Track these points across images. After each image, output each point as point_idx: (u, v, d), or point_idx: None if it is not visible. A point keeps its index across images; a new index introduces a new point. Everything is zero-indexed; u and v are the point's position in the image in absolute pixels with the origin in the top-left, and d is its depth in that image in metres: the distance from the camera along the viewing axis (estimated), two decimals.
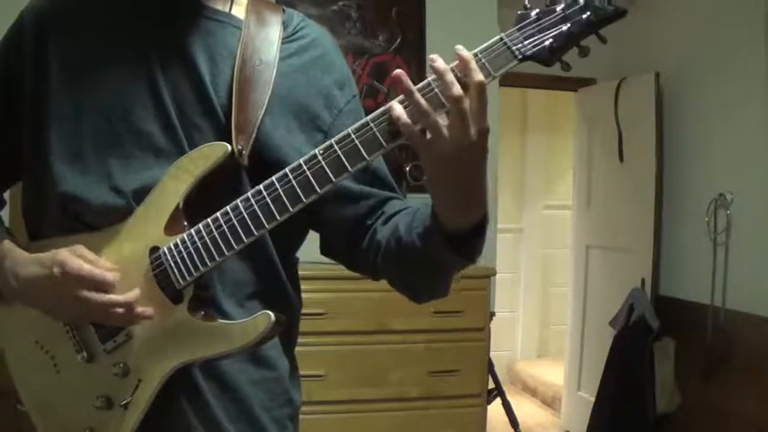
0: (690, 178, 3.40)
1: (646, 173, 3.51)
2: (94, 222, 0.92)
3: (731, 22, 3.10)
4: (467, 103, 0.77)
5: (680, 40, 3.39)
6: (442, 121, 0.79)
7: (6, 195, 1.07)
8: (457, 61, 0.80)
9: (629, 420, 3.27)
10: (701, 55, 3.28)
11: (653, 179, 3.48)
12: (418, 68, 3.42)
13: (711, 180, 3.20)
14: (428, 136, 0.79)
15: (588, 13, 0.82)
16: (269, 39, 0.99)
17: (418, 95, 0.79)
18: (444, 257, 0.87)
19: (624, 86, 3.61)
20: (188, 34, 0.94)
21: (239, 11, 1.00)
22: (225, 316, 0.92)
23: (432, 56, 0.80)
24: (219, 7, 0.99)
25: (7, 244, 0.94)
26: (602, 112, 3.77)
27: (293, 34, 1.03)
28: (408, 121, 0.80)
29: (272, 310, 0.89)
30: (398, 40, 3.41)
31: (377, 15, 3.38)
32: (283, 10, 1.05)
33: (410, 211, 0.97)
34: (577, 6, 0.82)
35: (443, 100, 0.79)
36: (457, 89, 0.77)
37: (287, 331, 1.01)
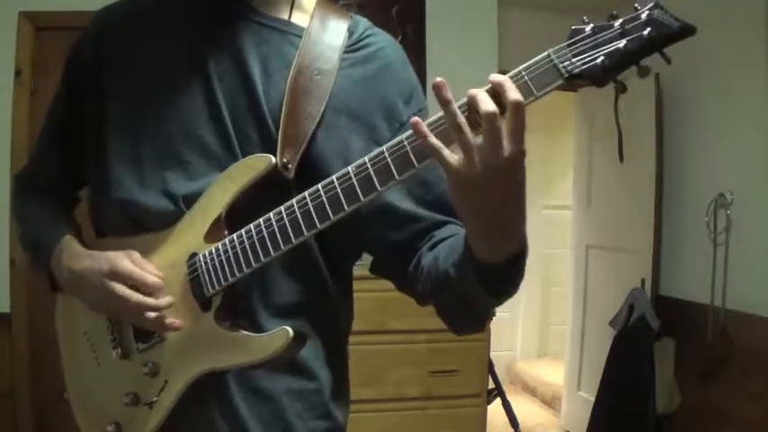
0: (690, 178, 3.40)
1: (646, 173, 3.51)
2: (146, 224, 0.95)
3: (731, 22, 3.10)
4: (500, 122, 0.70)
5: (680, 40, 3.38)
6: (478, 140, 0.72)
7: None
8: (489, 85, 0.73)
9: (629, 420, 3.27)
10: (701, 55, 3.27)
11: (653, 179, 3.48)
12: (418, 69, 3.42)
13: (711, 180, 3.20)
14: (455, 159, 0.73)
15: (650, 29, 0.73)
16: (331, 47, 0.96)
17: (455, 107, 0.72)
18: (471, 289, 0.82)
19: None
20: (244, 43, 0.94)
21: (302, 18, 0.99)
22: (258, 326, 0.92)
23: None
24: (278, 15, 0.98)
25: (67, 239, 1.00)
26: (602, 112, 3.77)
27: (357, 42, 1.00)
28: (434, 140, 0.73)
29: (313, 324, 0.90)
30: (398, 39, 3.39)
31: (377, 15, 3.37)
32: (351, 16, 1.02)
33: (455, 238, 0.91)
34: (638, 22, 0.73)
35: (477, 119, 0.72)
36: (490, 105, 0.70)
37: (332, 345, 1.00)
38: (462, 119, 0.72)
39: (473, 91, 0.72)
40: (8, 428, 3.00)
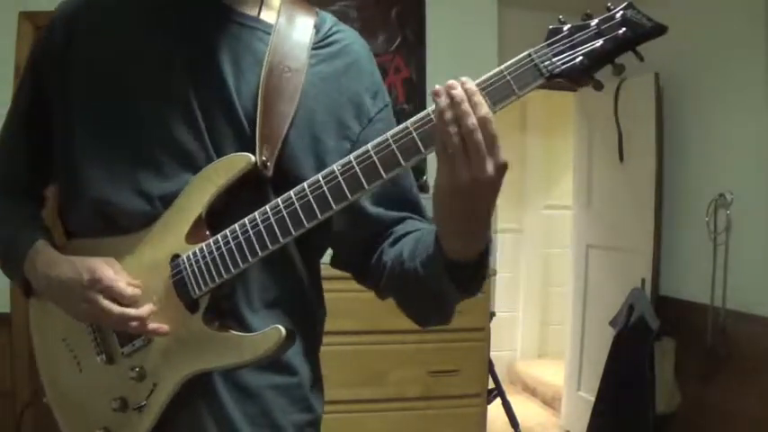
0: (690, 178, 3.40)
1: (646, 173, 3.51)
2: (122, 224, 0.93)
3: (731, 22, 3.10)
4: (480, 136, 0.72)
5: (680, 40, 3.38)
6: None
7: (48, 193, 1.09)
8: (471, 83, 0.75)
9: (629, 420, 3.27)
10: (701, 55, 3.27)
11: (653, 179, 3.48)
12: (418, 69, 3.42)
13: (711, 180, 3.20)
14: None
15: (624, 29, 0.77)
16: (299, 44, 0.96)
17: (450, 115, 0.73)
18: (443, 287, 0.84)
19: (624, 86, 3.61)
20: (215, 39, 0.93)
21: (270, 15, 0.98)
22: (244, 324, 0.92)
23: (450, 82, 0.75)
24: (248, 11, 0.97)
25: (41, 243, 0.97)
26: (602, 112, 3.77)
27: (324, 39, 1.00)
28: (453, 128, 0.74)
29: (293, 320, 0.90)
30: (398, 40, 3.41)
31: (377, 15, 3.38)
32: (317, 13, 1.02)
33: (416, 235, 0.94)
34: (613, 22, 0.77)
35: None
36: (471, 121, 0.73)
37: (310, 340, 1.02)
38: (456, 129, 0.73)
39: (458, 103, 0.73)
40: (8, 428, 3.00)
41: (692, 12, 3.33)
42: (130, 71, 0.94)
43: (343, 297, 2.70)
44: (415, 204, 1.02)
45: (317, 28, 1.00)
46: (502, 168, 0.74)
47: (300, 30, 0.98)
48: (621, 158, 3.68)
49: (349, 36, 1.04)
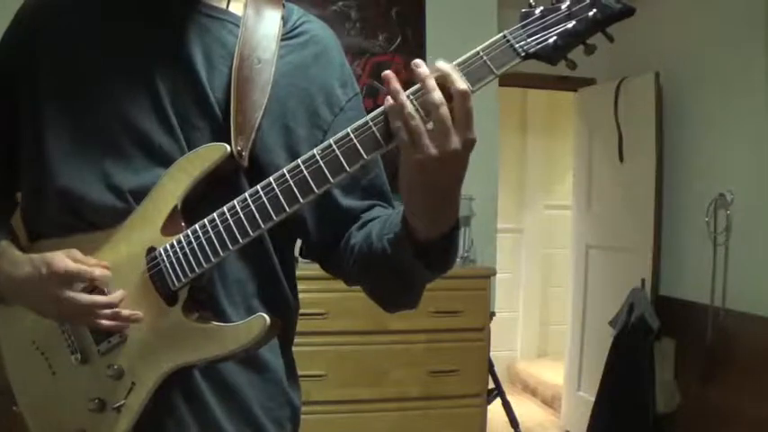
0: (690, 178, 3.40)
1: (646, 173, 3.51)
2: (92, 220, 0.91)
3: (731, 22, 3.10)
4: (445, 111, 0.75)
5: (680, 41, 3.39)
6: (429, 126, 0.77)
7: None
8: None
9: (629, 420, 3.27)
10: (701, 55, 3.28)
11: (653, 179, 3.48)
12: None
13: (711, 180, 3.20)
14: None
15: (594, 10, 0.80)
16: (268, 36, 0.96)
17: (404, 97, 0.77)
18: (411, 267, 0.85)
19: (624, 86, 3.61)
20: (184, 31, 0.93)
21: (237, 7, 0.98)
22: (223, 315, 0.91)
23: (415, 60, 0.79)
24: (216, 3, 0.97)
25: (4, 244, 0.94)
26: (602, 112, 3.77)
27: (292, 30, 1.01)
28: (399, 122, 0.77)
29: (270, 311, 0.89)
30: (398, 40, 3.41)
31: (377, 15, 3.38)
32: (283, 5, 1.03)
33: (384, 217, 0.95)
34: (583, 4, 0.81)
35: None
36: (437, 96, 0.76)
37: (285, 332, 1.01)
38: (411, 107, 0.77)
39: (424, 73, 0.77)
40: (6, 427, 2.99)
41: (692, 12, 3.33)
42: (98, 66, 0.93)
43: (343, 297, 2.70)
44: (383, 192, 1.03)
45: (285, 19, 1.00)
46: (470, 143, 0.76)
47: (268, 21, 0.98)
48: (621, 159, 3.68)
49: (317, 27, 1.04)
